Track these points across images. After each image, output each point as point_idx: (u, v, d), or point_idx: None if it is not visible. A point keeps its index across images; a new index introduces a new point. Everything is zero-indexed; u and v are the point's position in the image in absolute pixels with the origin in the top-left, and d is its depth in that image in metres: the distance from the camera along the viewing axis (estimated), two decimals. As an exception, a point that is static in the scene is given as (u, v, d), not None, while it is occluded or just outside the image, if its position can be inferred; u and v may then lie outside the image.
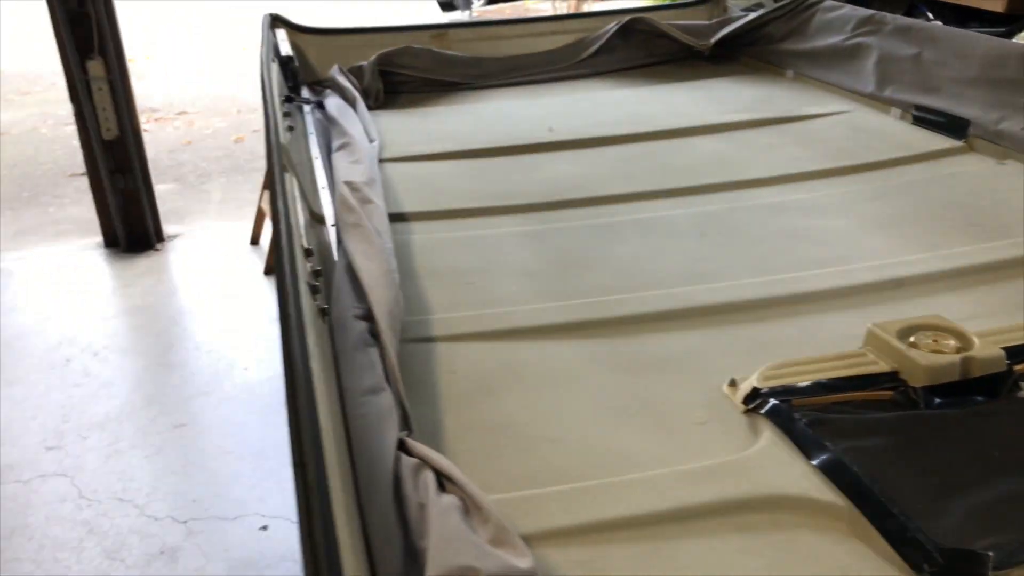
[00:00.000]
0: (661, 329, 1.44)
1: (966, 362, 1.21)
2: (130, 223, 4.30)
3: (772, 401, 1.19)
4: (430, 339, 1.39)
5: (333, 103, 2.45)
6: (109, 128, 4.07)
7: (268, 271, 4.09)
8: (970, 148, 2.17)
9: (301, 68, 2.73)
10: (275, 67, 2.40)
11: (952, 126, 2.23)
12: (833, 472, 1.05)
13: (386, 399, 1.02)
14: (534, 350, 1.38)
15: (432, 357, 1.35)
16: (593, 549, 0.95)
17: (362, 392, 1.04)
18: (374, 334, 1.19)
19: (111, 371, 3.34)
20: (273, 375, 3.28)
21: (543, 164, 2.23)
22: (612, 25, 3.09)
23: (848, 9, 2.71)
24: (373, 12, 11.62)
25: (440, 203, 1.99)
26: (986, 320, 1.39)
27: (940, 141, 2.21)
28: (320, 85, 2.80)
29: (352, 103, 2.49)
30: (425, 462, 0.92)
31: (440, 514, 0.81)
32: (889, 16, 2.55)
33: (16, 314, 3.77)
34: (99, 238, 4.46)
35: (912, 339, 1.27)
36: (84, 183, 5.82)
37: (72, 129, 7.45)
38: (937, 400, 1.19)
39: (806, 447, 1.10)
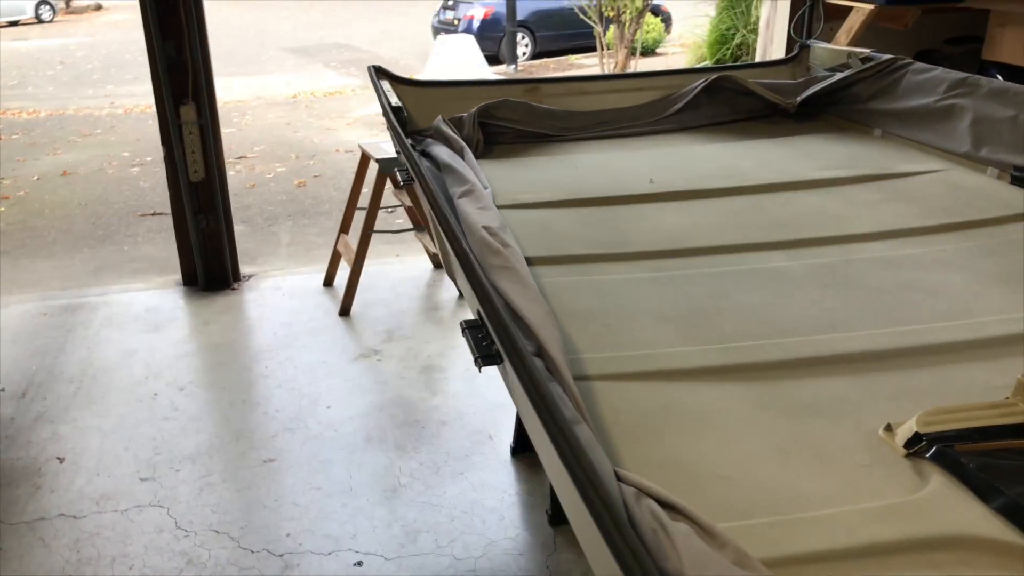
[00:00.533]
0: (804, 375, 1.49)
1: (1124, 413, 1.25)
2: (209, 262, 4.43)
3: (935, 446, 1.23)
4: (585, 378, 1.45)
5: (443, 151, 2.55)
6: (196, 170, 4.22)
7: (343, 312, 4.18)
8: (1074, 208, 2.21)
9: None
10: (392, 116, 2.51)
11: (1054, 187, 2.27)
12: (1015, 516, 1.08)
13: (585, 431, 1.08)
14: (687, 392, 1.43)
15: (591, 395, 1.40)
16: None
17: (561, 424, 1.09)
18: (551, 370, 1.25)
19: (198, 406, 3.42)
20: (355, 414, 3.34)
21: (650, 214, 2.30)
22: (699, 82, 3.18)
23: (940, 72, 2.79)
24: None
25: (559, 249, 2.06)
26: None
27: (1043, 201, 2.26)
28: (420, 134, 2.90)
29: (460, 152, 2.59)
30: (642, 491, 0.97)
31: (684, 538, 0.86)
32: (984, 79, 2.62)
33: (102, 348, 3.88)
34: (177, 276, 4.59)
35: (1065, 390, 1.31)
36: (155, 223, 6.01)
37: (138, 171, 7.72)
38: (1098, 449, 1.22)
39: (981, 491, 1.13)
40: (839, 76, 3.08)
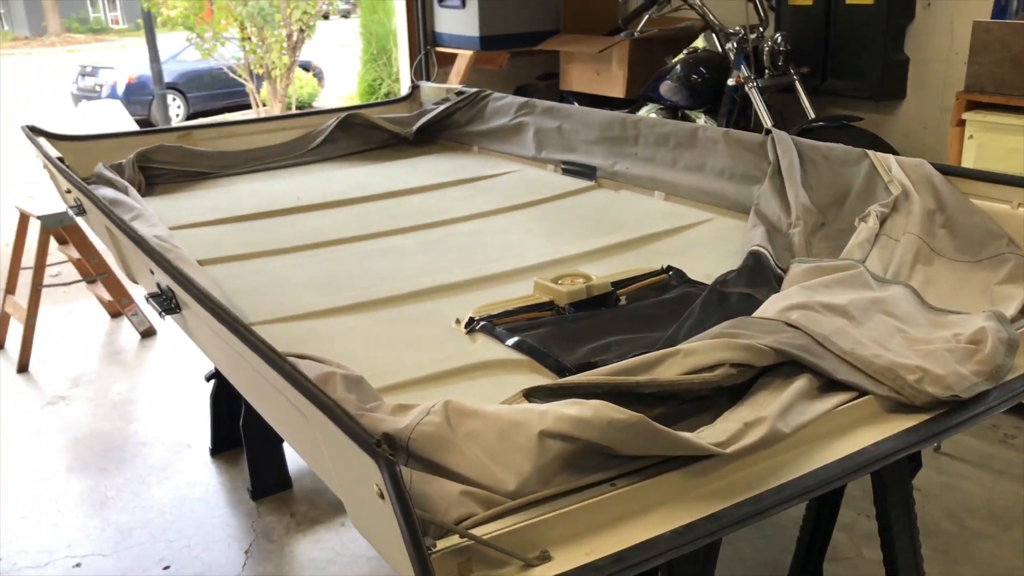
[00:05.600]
0: (407, 303, 2.15)
1: (589, 288, 2.05)
2: None
3: (482, 324, 1.93)
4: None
5: (108, 192, 2.91)
6: None
7: (21, 368, 4.25)
8: (599, 185, 3.14)
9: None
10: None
11: (586, 172, 3.19)
12: (519, 347, 1.80)
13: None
14: (323, 323, 2.02)
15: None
16: (406, 394, 1.62)
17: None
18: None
19: None
20: (51, 453, 3.51)
21: (297, 222, 2.88)
22: (332, 120, 3.81)
23: (510, 98, 3.67)
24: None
25: (223, 252, 2.55)
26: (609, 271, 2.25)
27: (580, 183, 3.16)
28: (83, 181, 3.22)
29: (124, 191, 2.97)
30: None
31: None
32: (539, 101, 3.54)
33: None
34: None
35: (559, 282, 2.08)
36: None
37: None
38: (575, 311, 2.00)
39: (502, 338, 1.85)
40: (441, 108, 3.88)
